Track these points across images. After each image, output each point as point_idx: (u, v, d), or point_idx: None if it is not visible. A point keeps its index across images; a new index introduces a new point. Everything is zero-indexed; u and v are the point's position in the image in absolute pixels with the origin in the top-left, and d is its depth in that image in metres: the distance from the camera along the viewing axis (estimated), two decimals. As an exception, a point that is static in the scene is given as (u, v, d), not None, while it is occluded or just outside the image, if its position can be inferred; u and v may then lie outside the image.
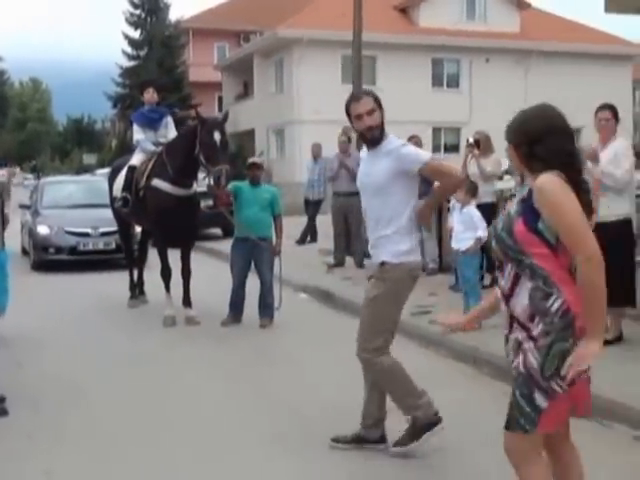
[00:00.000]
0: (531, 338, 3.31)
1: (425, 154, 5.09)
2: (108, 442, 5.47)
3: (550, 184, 3.20)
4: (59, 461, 5.14)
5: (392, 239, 4.97)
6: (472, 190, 8.70)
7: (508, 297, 3.41)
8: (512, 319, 3.41)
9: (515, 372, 3.41)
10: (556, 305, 3.25)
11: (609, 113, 7.54)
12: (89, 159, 59.80)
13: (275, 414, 6.08)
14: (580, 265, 3.16)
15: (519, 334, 3.37)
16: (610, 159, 7.34)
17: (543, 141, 3.31)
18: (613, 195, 7.36)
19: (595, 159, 7.30)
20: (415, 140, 12.18)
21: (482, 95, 34.63)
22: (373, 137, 5.05)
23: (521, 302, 3.34)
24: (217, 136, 9.01)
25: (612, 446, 5.21)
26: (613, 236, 6.78)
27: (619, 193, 7.41)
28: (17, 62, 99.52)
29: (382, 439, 5.29)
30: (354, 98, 5.14)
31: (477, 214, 8.51)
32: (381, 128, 5.07)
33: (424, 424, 5.11)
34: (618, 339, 7.40)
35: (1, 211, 6.85)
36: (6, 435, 5.63)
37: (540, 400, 3.29)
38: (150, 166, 9.77)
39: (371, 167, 5.13)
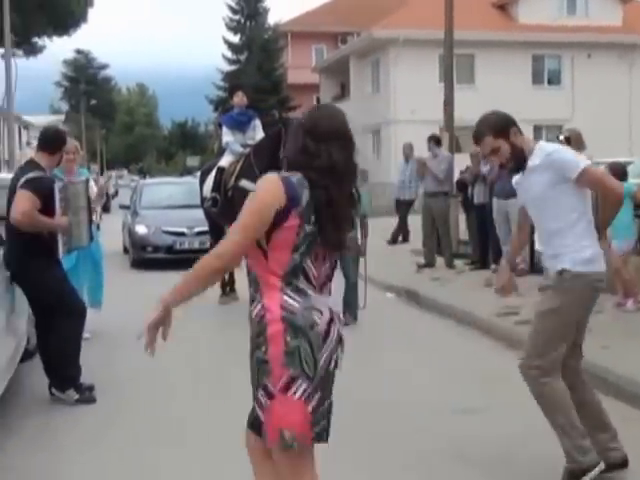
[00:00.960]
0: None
1: (581, 161, 4.38)
2: (186, 430, 5.65)
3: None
4: (139, 448, 5.34)
5: (572, 247, 4.45)
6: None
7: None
8: None
9: None
10: (255, 311, 3.16)
11: None
12: (192, 161, 61.09)
13: (346, 414, 6.15)
14: None
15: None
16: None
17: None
18: None
19: None
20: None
21: (584, 92, 33.89)
22: (511, 169, 4.67)
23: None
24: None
25: None
26: None
27: None
28: (123, 69, 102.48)
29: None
30: (475, 140, 4.60)
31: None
32: (516, 155, 4.52)
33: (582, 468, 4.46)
34: None
35: (89, 208, 7.12)
36: (93, 422, 5.91)
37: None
38: (238, 167, 9.99)
39: (526, 181, 4.63)
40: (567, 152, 4.55)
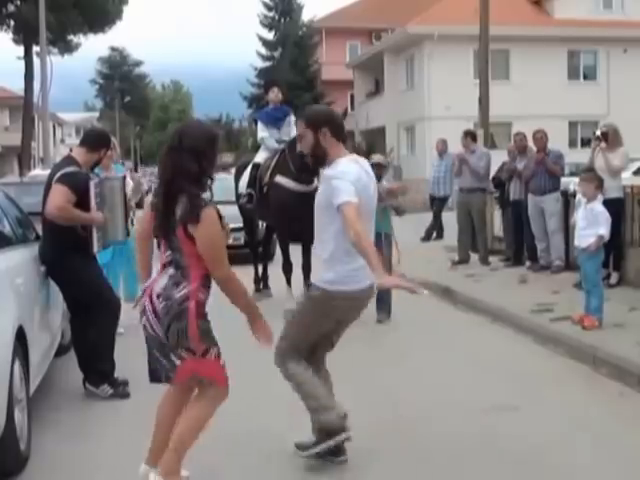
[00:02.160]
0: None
1: (341, 196, 4.39)
2: (217, 424, 5.68)
3: None
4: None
5: (324, 264, 4.71)
6: (600, 185, 8.44)
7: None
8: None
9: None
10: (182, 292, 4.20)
11: None
12: (227, 157, 61.27)
13: (383, 413, 6.15)
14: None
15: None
16: None
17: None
18: None
19: None
20: (539, 135, 12.00)
21: (620, 87, 33.57)
22: (312, 163, 4.90)
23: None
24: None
25: None
26: None
27: None
28: (158, 66, 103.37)
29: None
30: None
31: (601, 210, 8.22)
32: (315, 152, 4.69)
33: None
34: None
35: (125, 204, 7.17)
36: (127, 416, 5.98)
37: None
38: (273, 163, 10.02)
39: (320, 185, 4.93)
40: (345, 182, 4.45)
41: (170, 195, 4.11)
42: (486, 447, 5.20)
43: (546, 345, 7.97)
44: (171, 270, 4.21)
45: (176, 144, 4.14)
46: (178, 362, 4.26)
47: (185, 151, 4.11)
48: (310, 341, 5.03)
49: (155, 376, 4.53)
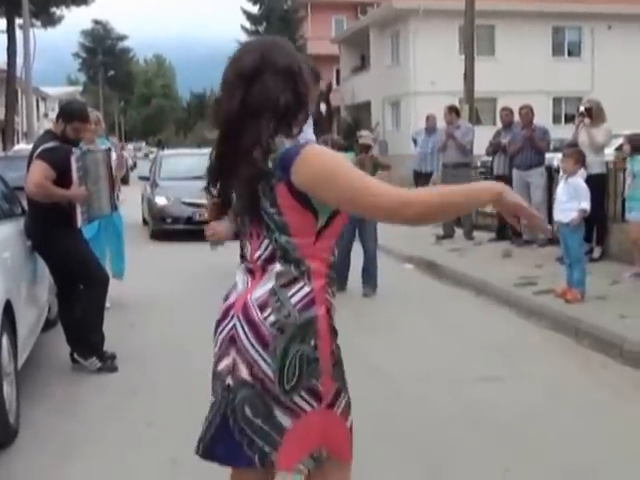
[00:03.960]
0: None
1: None
2: (205, 398, 5.73)
3: None
4: (159, 414, 5.44)
5: None
6: (579, 160, 8.52)
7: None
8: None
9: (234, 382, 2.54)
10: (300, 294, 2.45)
11: None
12: (211, 134, 61.07)
13: (365, 381, 6.22)
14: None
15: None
16: None
17: None
18: None
19: None
20: (525, 110, 12.06)
21: (604, 63, 33.65)
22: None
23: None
24: (323, 107, 9.22)
25: None
26: None
27: None
28: (141, 40, 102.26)
29: None
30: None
31: (582, 185, 8.31)
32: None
33: None
34: None
35: (110, 177, 7.10)
36: (114, 389, 5.99)
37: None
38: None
39: None
40: None
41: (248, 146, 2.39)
42: (471, 416, 5.28)
43: (529, 318, 8.06)
44: (277, 266, 2.45)
45: (258, 64, 2.42)
46: (288, 422, 2.46)
47: (275, 74, 2.42)
48: None
49: (221, 454, 2.75)
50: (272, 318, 2.41)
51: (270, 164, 2.35)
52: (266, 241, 2.46)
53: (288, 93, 2.42)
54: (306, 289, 2.43)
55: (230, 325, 2.51)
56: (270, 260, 2.47)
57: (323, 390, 2.48)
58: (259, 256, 2.49)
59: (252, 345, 2.44)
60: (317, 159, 2.34)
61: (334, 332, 2.54)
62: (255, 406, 2.47)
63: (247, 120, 2.39)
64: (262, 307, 2.43)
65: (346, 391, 2.64)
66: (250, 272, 2.53)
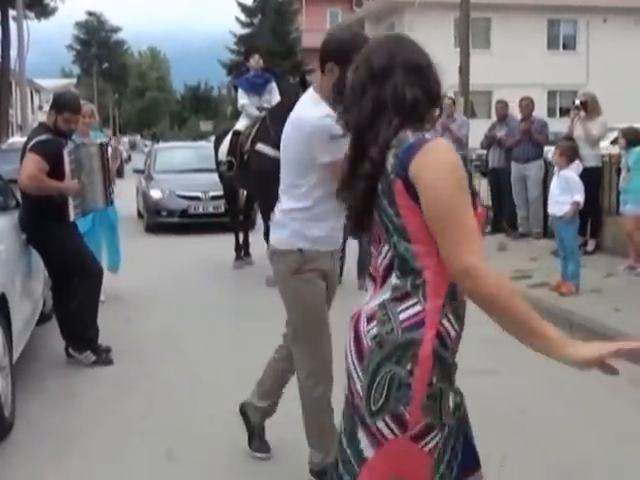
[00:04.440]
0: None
1: None
2: (200, 391, 5.75)
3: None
4: (155, 406, 5.45)
5: None
6: (570, 153, 8.52)
7: None
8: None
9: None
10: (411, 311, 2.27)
11: None
12: (206, 126, 61.00)
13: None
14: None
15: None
16: None
17: None
18: None
19: None
20: (526, 102, 12.05)
21: (599, 57, 33.68)
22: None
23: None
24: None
25: None
26: None
27: None
28: (136, 33, 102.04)
29: None
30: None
31: (575, 178, 8.30)
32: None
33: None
34: None
35: (104, 170, 7.07)
36: (110, 382, 6.00)
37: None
38: (254, 131, 9.99)
39: None
40: None
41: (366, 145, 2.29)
42: (473, 410, 5.27)
43: (525, 311, 8.06)
44: (394, 278, 2.29)
45: (387, 63, 2.34)
46: (370, 452, 2.31)
47: (405, 71, 2.35)
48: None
49: None
50: (374, 331, 2.26)
51: (391, 160, 2.22)
52: (386, 246, 2.31)
53: (417, 89, 2.31)
54: (417, 307, 2.24)
55: (348, 336, 2.37)
56: (389, 269, 2.31)
57: (410, 419, 2.25)
58: (380, 263, 2.33)
59: (352, 357, 2.32)
60: (436, 157, 2.19)
61: (441, 363, 2.32)
62: (346, 421, 2.39)
63: (376, 119, 2.29)
64: (369, 319, 2.29)
65: (444, 433, 2.34)
66: (374, 280, 2.38)
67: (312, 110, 3.75)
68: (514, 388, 5.75)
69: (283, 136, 4.01)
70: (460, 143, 13.05)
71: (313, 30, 48.41)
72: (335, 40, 3.84)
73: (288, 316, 4.14)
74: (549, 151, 13.31)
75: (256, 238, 11.00)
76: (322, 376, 4.01)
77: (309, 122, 3.72)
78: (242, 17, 53.86)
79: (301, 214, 3.84)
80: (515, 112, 12.47)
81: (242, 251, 11.29)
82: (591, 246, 10.38)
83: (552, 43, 35.69)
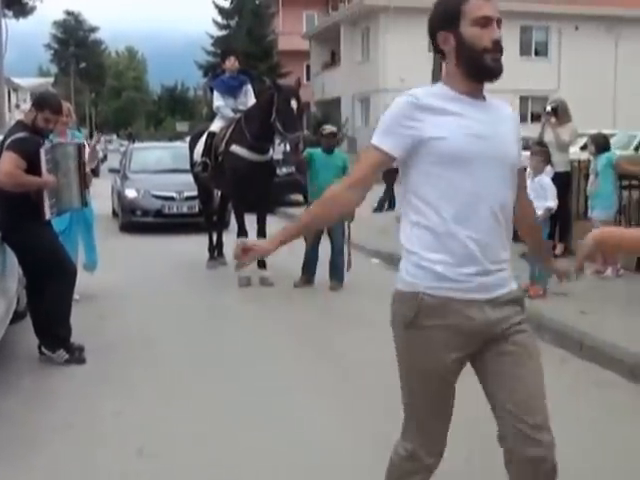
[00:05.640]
0: None
1: None
2: (173, 389, 5.82)
3: None
4: (127, 404, 5.51)
5: None
6: (545, 158, 8.69)
7: None
8: None
9: None
10: None
11: None
12: (182, 127, 60.82)
13: (336, 372, 6.34)
14: None
15: None
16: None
17: None
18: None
19: None
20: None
21: (571, 63, 34.01)
22: (500, 65, 2.95)
23: None
24: (294, 103, 9.28)
25: None
26: None
27: None
28: (114, 33, 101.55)
29: None
30: None
31: (548, 183, 8.49)
32: None
33: None
34: None
35: (80, 170, 7.12)
36: (83, 380, 6.05)
37: None
38: (229, 132, 10.08)
39: (492, 122, 2.92)
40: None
41: None
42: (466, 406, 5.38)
43: (493, 313, 8.18)
44: None
45: None
46: None
47: None
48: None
49: None
50: None
51: None
52: None
53: None
54: None
55: None
56: None
57: None
58: None
59: None
60: None
61: None
62: None
63: None
64: None
65: None
66: None
67: None
68: (481, 389, 5.83)
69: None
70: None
71: (289, 33, 48.55)
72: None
73: None
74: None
75: (230, 238, 11.06)
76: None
77: None
78: (219, 19, 53.77)
79: None
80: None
81: (215, 251, 11.36)
82: (559, 250, 10.54)
83: (524, 49, 35.97)
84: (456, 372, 3.03)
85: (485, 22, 2.90)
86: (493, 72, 2.90)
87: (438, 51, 2.93)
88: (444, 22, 2.88)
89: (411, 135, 2.79)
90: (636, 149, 19.69)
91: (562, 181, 9.96)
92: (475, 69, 2.87)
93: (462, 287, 2.80)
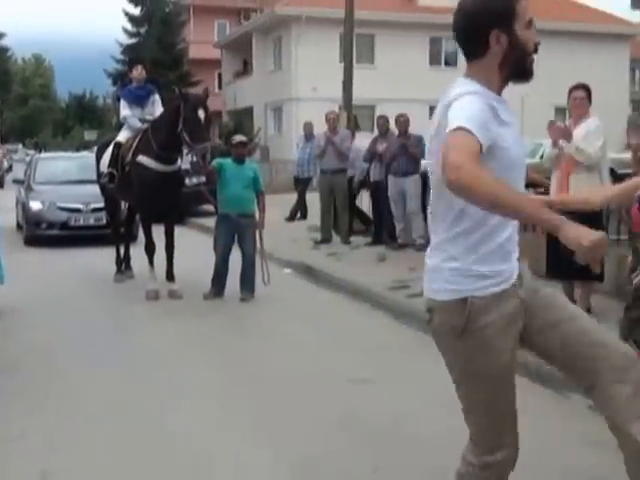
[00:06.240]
0: None
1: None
2: (77, 407, 5.68)
3: None
4: (33, 421, 5.35)
5: None
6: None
7: None
8: None
9: None
10: None
11: (583, 92, 7.69)
12: (90, 135, 59.85)
13: (247, 384, 6.29)
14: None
15: None
16: (582, 137, 7.48)
17: None
18: (585, 173, 7.52)
19: (568, 136, 7.46)
20: (403, 119, 12.39)
21: (480, 74, 34.67)
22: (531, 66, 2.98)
23: None
24: (201, 113, 9.19)
25: (566, 415, 5.37)
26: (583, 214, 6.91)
27: (590, 171, 7.54)
28: (21, 39, 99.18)
29: None
30: None
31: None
32: None
33: None
34: (587, 312, 7.53)
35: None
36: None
37: None
38: (136, 142, 9.93)
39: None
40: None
41: None
42: (348, 419, 5.38)
43: (402, 320, 8.27)
44: None
45: None
46: None
47: None
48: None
49: None
50: None
51: None
52: None
53: None
54: None
55: None
56: None
57: None
58: None
59: None
60: None
61: None
62: None
63: None
64: None
65: None
66: None
67: None
68: (388, 397, 5.88)
69: None
70: (343, 157, 13.32)
71: (200, 42, 48.26)
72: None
73: None
74: (428, 165, 13.71)
75: (137, 251, 10.89)
76: None
77: None
78: (129, 27, 53.10)
79: None
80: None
81: (123, 264, 11.17)
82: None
83: (434, 59, 36.58)
84: (516, 357, 3.02)
85: (531, 24, 2.93)
86: (531, 75, 2.99)
87: (470, 50, 2.93)
88: (498, 20, 2.83)
89: (490, 138, 2.71)
90: (542, 157, 20.17)
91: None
92: (520, 71, 2.94)
93: (502, 280, 2.87)
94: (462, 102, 2.72)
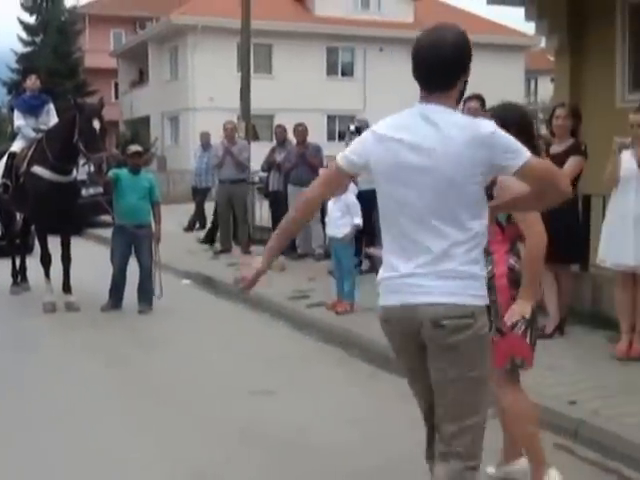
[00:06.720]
0: None
1: None
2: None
3: None
4: None
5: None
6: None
7: None
8: None
9: None
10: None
11: (476, 102, 7.91)
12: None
13: (148, 397, 6.25)
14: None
15: None
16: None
17: None
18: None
19: None
20: (301, 128, 12.50)
21: (376, 84, 35.13)
22: None
23: None
24: (96, 123, 9.09)
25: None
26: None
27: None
28: None
29: None
30: None
31: (353, 201, 8.71)
32: None
33: None
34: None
35: None
36: None
37: None
38: (30, 153, 9.74)
39: None
40: None
41: None
42: (251, 431, 5.39)
43: (302, 330, 8.34)
44: None
45: None
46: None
47: None
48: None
49: None
50: None
51: None
52: None
53: None
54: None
55: None
56: None
57: None
58: None
59: None
60: None
61: None
62: None
63: None
64: None
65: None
66: None
67: None
68: (289, 408, 5.90)
69: None
70: (241, 167, 13.34)
71: (96, 51, 47.44)
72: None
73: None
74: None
75: (33, 263, 10.67)
76: None
77: None
78: (24, 35, 51.79)
79: None
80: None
81: (19, 276, 10.93)
82: (365, 266, 10.86)
83: (331, 69, 36.91)
84: None
85: None
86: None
87: (445, 80, 3.25)
88: (469, 60, 3.48)
89: None
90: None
91: (367, 198, 10.25)
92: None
93: None
94: (502, 133, 3.11)
